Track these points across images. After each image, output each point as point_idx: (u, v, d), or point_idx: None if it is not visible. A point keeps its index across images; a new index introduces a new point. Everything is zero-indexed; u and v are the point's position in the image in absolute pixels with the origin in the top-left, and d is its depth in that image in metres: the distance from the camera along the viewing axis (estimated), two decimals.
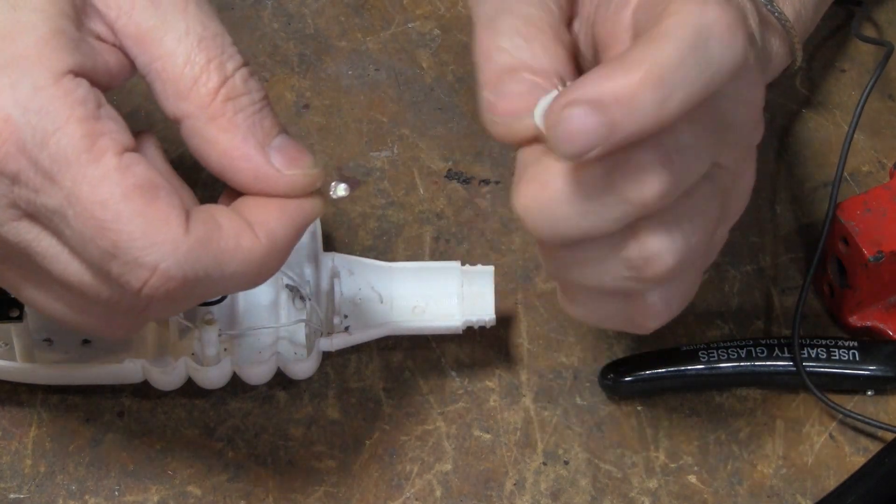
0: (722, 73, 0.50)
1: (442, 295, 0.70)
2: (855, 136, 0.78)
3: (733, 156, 0.54)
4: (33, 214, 0.53)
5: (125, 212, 0.52)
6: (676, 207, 0.53)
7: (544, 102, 0.52)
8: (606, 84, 0.49)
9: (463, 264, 0.70)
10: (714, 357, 0.70)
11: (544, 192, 0.52)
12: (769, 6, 0.65)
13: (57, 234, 0.53)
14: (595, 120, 0.49)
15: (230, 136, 0.54)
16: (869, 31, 0.83)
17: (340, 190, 0.58)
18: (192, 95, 0.54)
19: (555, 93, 0.53)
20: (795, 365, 0.69)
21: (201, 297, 0.56)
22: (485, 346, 0.72)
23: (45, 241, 0.54)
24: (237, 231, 0.54)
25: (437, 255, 0.75)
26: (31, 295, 0.57)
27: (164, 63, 0.54)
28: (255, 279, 0.55)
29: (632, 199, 0.51)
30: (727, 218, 0.56)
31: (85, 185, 0.52)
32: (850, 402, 0.71)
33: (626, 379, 0.70)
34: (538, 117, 0.53)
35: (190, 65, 0.54)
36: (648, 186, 0.51)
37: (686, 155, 0.52)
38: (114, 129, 0.53)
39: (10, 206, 0.53)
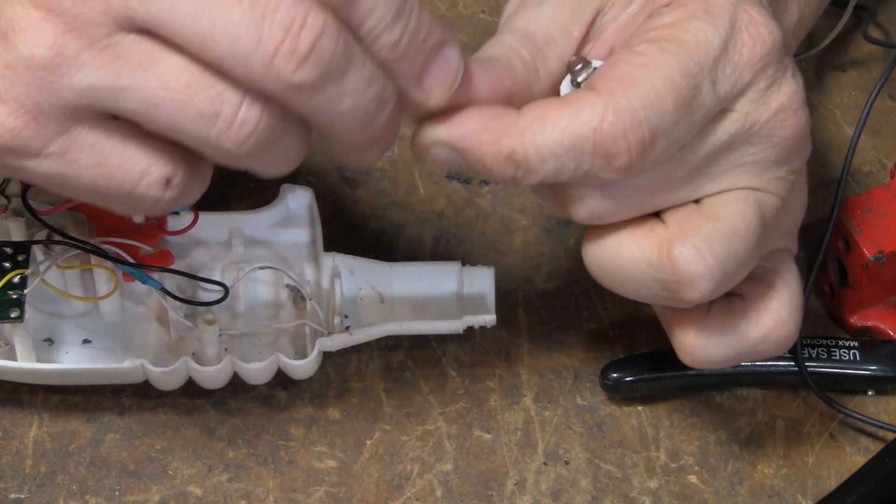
0: None
1: (442, 295, 0.70)
2: None
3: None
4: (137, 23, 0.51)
5: None
6: None
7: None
8: None
9: (463, 264, 0.70)
10: None
11: None
12: None
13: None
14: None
15: None
16: (873, 33, 0.83)
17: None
18: None
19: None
20: (796, 364, 0.69)
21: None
22: (485, 346, 0.72)
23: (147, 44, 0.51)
24: None
25: (438, 255, 0.75)
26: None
27: None
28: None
29: None
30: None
31: None
32: (851, 402, 0.71)
33: (627, 379, 0.70)
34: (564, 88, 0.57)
35: None
36: None
37: None
38: None
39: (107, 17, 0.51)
